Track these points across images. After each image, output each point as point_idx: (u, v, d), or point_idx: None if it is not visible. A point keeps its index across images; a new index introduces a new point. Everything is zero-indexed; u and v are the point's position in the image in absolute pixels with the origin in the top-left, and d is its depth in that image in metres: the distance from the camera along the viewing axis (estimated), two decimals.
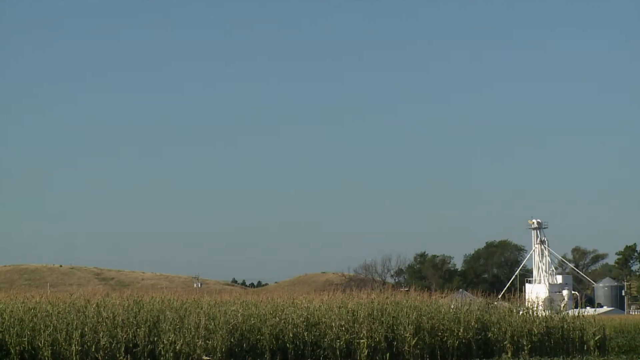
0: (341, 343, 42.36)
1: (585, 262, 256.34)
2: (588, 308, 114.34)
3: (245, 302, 44.87)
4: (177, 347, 38.79)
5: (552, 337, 48.29)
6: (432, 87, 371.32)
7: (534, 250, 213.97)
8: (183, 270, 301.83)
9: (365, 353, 42.50)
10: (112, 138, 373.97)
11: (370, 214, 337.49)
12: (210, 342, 39.32)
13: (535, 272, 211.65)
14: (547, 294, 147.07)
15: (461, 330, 45.33)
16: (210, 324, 39.98)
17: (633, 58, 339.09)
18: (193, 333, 39.31)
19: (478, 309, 47.83)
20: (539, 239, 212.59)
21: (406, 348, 43.62)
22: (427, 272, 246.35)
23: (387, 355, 43.14)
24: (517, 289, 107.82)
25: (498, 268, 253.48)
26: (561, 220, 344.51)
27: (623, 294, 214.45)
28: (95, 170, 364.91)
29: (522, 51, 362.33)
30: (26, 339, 37.35)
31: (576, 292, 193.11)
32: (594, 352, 47.79)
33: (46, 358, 37.12)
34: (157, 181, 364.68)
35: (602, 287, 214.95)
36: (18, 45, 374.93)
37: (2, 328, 37.61)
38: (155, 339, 39.02)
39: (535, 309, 50.08)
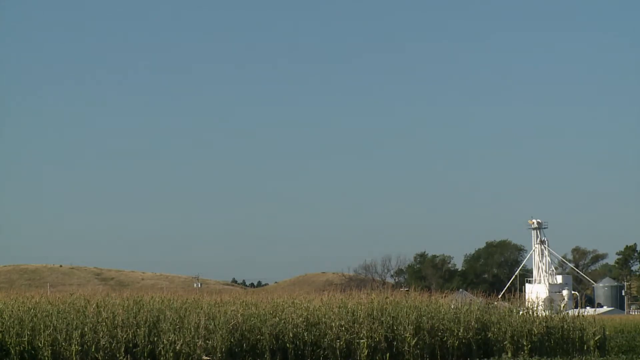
0: (341, 343, 42.32)
1: (585, 262, 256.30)
2: (588, 308, 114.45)
3: (245, 302, 44.80)
4: (177, 347, 38.75)
5: (552, 337, 48.21)
6: (431, 88, 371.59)
7: (534, 250, 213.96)
8: (183, 270, 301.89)
9: (365, 353, 42.46)
10: (111, 138, 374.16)
11: (370, 214, 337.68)
12: (210, 342, 39.26)
13: (535, 272, 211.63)
14: (547, 294, 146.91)
15: (461, 330, 45.27)
16: (210, 324, 39.94)
17: (633, 59, 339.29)
18: (193, 333, 39.24)
19: (478, 309, 47.71)
20: (539, 239, 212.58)
21: (406, 348, 43.56)
22: (427, 272, 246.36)
23: (387, 355, 43.09)
24: (517, 289, 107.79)
25: (498, 268, 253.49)
26: (561, 220, 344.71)
27: (623, 294, 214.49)
28: (95, 170, 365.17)
29: (523, 51, 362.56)
30: (26, 339, 37.26)
31: (576, 292, 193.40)
32: (594, 352, 47.73)
33: (46, 358, 37.07)
34: (157, 181, 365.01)
35: (602, 287, 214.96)
36: (17, 45, 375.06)
37: (2, 328, 37.51)
38: (155, 339, 38.97)
39: (535, 309, 49.98)
